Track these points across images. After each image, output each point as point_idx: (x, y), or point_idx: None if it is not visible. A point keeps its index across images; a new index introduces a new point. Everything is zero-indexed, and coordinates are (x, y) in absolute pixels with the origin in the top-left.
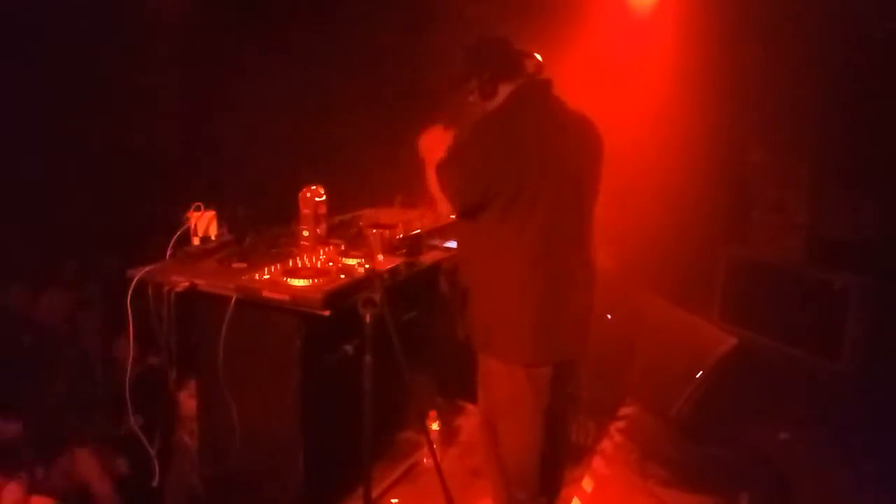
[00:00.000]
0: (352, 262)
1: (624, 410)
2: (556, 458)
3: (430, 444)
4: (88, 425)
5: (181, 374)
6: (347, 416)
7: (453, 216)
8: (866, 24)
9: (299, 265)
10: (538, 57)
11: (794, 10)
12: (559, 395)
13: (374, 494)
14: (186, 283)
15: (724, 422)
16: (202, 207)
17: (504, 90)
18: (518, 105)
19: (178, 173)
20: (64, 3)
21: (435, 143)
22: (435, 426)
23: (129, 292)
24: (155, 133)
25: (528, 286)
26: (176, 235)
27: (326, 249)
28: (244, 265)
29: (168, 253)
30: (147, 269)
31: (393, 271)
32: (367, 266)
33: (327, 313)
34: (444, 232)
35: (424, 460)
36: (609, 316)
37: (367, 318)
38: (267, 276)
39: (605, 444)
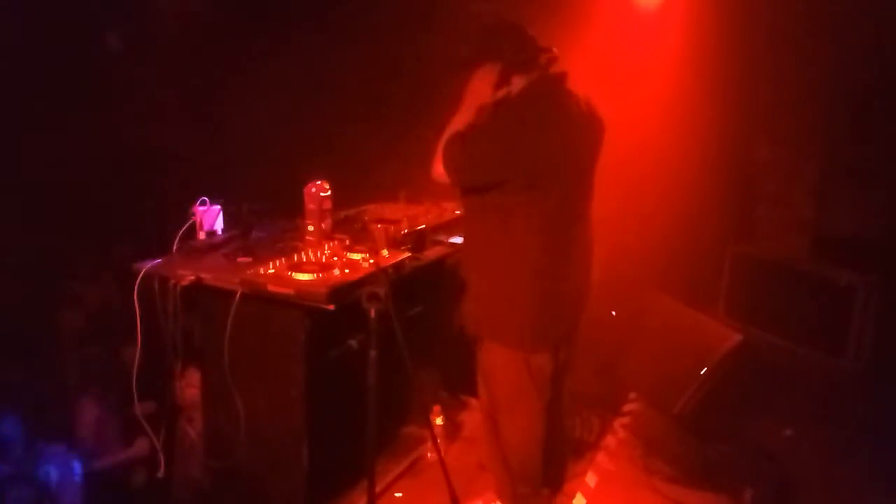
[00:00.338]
0: (356, 256)
1: (628, 406)
2: (560, 453)
3: (434, 438)
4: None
5: (186, 367)
6: (351, 411)
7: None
8: (875, 23)
9: (304, 260)
10: (554, 50)
11: (802, 9)
12: (560, 389)
13: (378, 488)
14: (192, 277)
15: (729, 418)
16: (208, 202)
17: (517, 82)
18: (532, 98)
19: (185, 168)
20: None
21: (480, 89)
22: (439, 421)
23: (136, 286)
24: (164, 128)
25: (539, 270)
26: (182, 230)
27: (331, 244)
28: (249, 259)
29: (174, 247)
30: (153, 262)
31: (397, 266)
32: (371, 261)
33: (332, 308)
34: (450, 227)
35: (428, 454)
36: (614, 312)
37: (372, 313)
38: (272, 271)
39: (609, 440)
